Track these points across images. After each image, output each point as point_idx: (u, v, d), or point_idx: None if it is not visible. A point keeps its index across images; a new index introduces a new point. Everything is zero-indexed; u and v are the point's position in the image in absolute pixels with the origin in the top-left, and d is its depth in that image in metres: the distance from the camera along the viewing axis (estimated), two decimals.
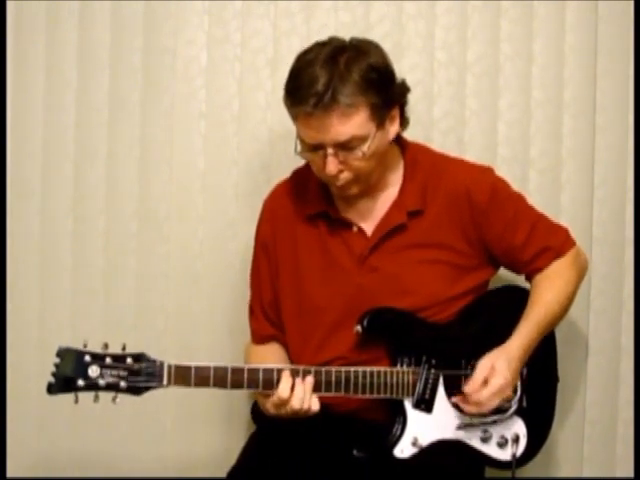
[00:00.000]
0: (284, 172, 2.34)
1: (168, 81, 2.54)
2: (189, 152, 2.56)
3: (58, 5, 2.52)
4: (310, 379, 2.00)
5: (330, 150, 2.02)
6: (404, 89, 2.14)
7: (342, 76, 1.98)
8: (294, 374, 1.99)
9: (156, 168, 2.56)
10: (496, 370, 2.04)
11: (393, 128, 2.11)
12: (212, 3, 2.53)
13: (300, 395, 1.98)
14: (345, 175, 2.07)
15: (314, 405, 2.00)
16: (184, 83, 2.55)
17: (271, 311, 2.25)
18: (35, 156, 2.55)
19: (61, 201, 2.56)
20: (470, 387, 2.04)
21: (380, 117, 2.04)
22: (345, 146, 2.02)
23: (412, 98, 2.17)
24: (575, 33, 2.54)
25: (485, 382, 2.04)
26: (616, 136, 2.55)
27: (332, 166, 2.04)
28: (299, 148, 2.08)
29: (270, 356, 2.20)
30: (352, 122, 2.00)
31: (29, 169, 2.56)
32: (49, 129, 2.55)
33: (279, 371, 1.99)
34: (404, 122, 2.16)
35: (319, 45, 2.07)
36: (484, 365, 2.06)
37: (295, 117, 2.05)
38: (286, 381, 1.98)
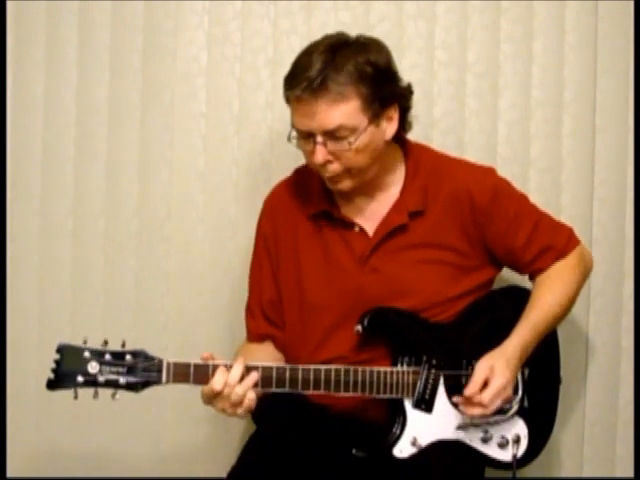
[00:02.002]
0: (284, 172, 2.34)
1: (168, 81, 2.55)
2: (189, 152, 2.56)
3: (58, 5, 2.53)
4: (254, 375, 1.97)
5: (319, 138, 2.02)
6: (407, 92, 2.14)
7: (336, 66, 2.00)
8: (229, 368, 1.95)
9: (156, 168, 2.56)
10: (495, 370, 2.04)
11: (390, 128, 2.10)
12: (212, 3, 2.54)
13: (232, 389, 1.94)
14: (334, 167, 2.06)
15: (248, 399, 1.96)
16: (184, 83, 2.55)
17: (269, 309, 2.24)
18: (35, 156, 2.56)
19: (61, 201, 2.57)
20: (470, 390, 2.04)
21: (373, 112, 2.04)
22: (333, 135, 2.02)
23: (412, 100, 2.17)
24: (575, 33, 2.54)
25: (485, 384, 2.04)
26: (616, 136, 2.55)
27: (319, 155, 2.03)
28: (293, 135, 2.08)
29: (261, 354, 2.19)
30: (340, 110, 2.00)
31: (29, 169, 2.56)
32: (49, 129, 2.56)
33: (279, 369, 1.99)
34: (406, 125, 2.16)
35: (325, 37, 2.09)
36: (483, 366, 2.05)
37: (287, 101, 2.06)
38: (221, 374, 1.94)
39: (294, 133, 2.07)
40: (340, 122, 2.01)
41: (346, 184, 2.10)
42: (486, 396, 2.03)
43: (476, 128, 2.55)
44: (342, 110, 2.00)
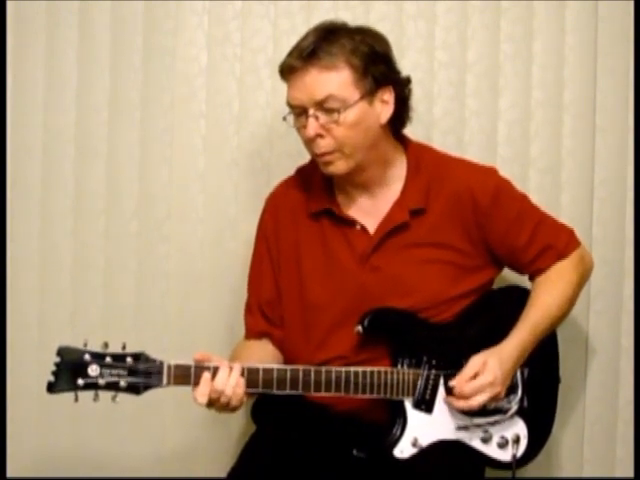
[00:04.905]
0: (284, 172, 2.34)
1: (168, 81, 2.55)
2: (189, 152, 2.56)
3: (58, 5, 2.53)
4: (242, 380, 1.96)
5: (310, 111, 2.03)
6: (404, 80, 2.14)
7: (331, 40, 2.03)
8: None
9: (156, 168, 2.56)
10: (487, 366, 2.04)
11: (385, 112, 2.09)
12: (212, 3, 2.54)
13: (229, 385, 1.94)
14: (326, 142, 2.06)
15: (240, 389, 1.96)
16: (184, 83, 2.55)
17: (268, 308, 2.24)
18: (35, 156, 2.55)
19: (61, 201, 2.56)
20: (457, 380, 2.04)
21: (366, 88, 2.05)
22: (324, 107, 2.03)
23: (412, 98, 2.18)
24: (575, 33, 2.54)
25: (474, 377, 2.04)
26: (616, 136, 2.55)
27: (310, 128, 2.04)
28: (289, 113, 2.09)
29: (259, 351, 2.20)
30: (330, 79, 2.02)
31: (29, 169, 2.56)
32: (49, 129, 2.55)
33: (279, 371, 1.99)
34: (405, 117, 2.17)
35: (325, 21, 2.12)
36: (475, 361, 2.05)
37: (281, 75, 2.09)
38: (223, 372, 1.95)
39: (290, 112, 2.09)
40: (329, 92, 2.02)
41: (340, 166, 2.09)
42: (467, 388, 2.03)
43: (476, 128, 2.55)
44: (332, 79, 2.02)
